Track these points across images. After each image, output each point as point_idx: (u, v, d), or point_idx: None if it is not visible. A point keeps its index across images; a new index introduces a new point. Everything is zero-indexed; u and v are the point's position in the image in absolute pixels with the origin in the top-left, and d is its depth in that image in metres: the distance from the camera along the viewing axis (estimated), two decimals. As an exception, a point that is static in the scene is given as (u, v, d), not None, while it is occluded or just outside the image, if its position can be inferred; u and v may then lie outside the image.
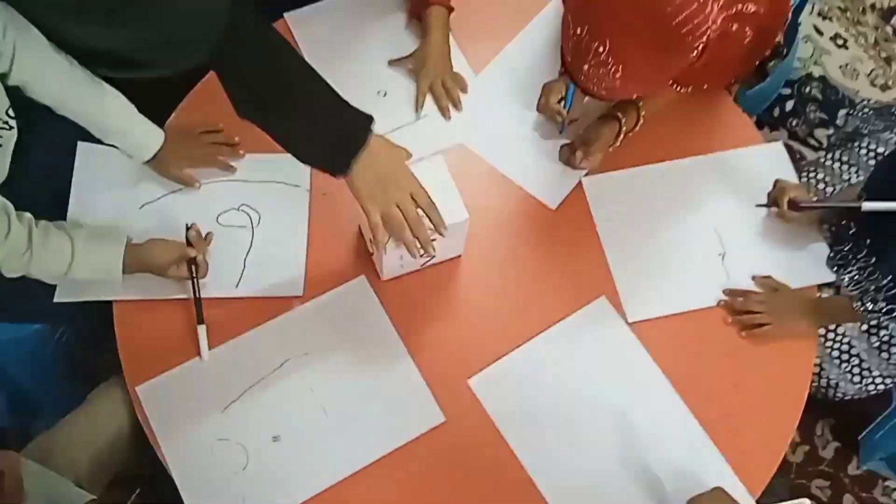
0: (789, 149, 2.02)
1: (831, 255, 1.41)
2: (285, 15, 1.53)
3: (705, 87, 1.43)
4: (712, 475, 1.20)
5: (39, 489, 1.07)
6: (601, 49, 1.14)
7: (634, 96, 1.33)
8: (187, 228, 1.27)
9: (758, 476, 1.23)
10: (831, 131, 2.12)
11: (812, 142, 2.12)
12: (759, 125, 2.10)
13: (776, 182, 1.42)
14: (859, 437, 1.68)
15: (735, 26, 1.26)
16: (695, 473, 1.21)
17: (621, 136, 1.41)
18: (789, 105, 2.16)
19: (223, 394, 1.22)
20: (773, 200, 1.41)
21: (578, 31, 1.15)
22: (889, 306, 1.28)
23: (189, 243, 1.26)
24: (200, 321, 1.24)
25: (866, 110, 1.78)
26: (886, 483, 1.78)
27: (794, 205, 1.37)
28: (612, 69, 1.15)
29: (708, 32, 1.14)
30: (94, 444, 1.21)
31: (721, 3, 1.14)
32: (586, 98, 1.30)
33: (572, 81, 1.29)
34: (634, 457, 1.23)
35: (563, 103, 1.41)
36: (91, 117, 1.26)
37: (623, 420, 1.25)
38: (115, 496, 1.20)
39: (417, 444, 1.21)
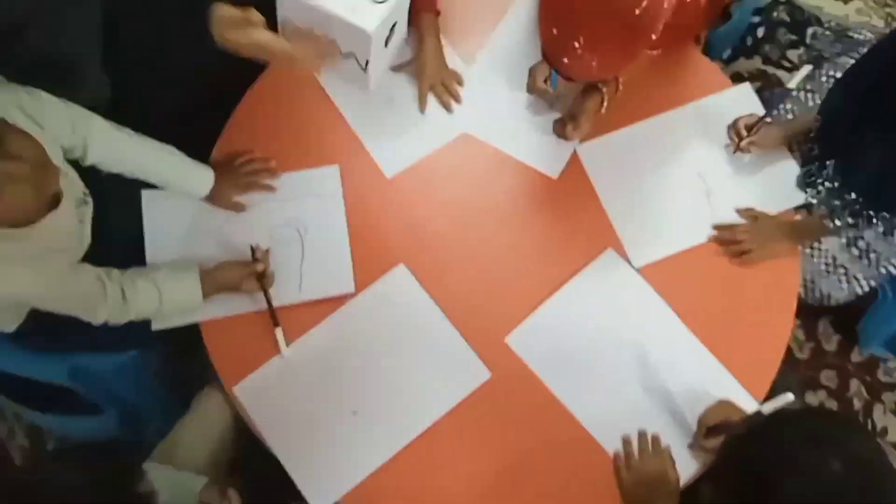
0: (765, 74, 2.20)
1: (800, 175, 1.60)
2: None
3: (666, 44, 1.58)
4: (721, 388, 1.43)
5: (166, 484, 1.32)
6: (576, 45, 1.30)
7: (609, 77, 1.49)
8: (252, 249, 1.49)
9: (761, 380, 1.45)
10: (801, 50, 2.27)
11: (786, 63, 2.27)
12: (735, 56, 2.28)
13: (731, 124, 1.60)
14: (857, 327, 1.90)
15: None
16: (706, 390, 1.43)
17: (605, 103, 1.59)
18: (761, 31, 2.30)
19: (305, 382, 1.44)
20: (736, 135, 1.59)
21: (554, 31, 1.33)
22: (854, 220, 1.48)
23: (254, 259, 1.47)
24: (276, 324, 1.46)
25: (829, 33, 1.93)
26: (887, 364, 2.00)
27: (748, 129, 1.56)
28: (589, 60, 1.32)
29: (666, 6, 1.29)
30: (207, 441, 1.45)
31: None
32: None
33: (553, 69, 1.47)
34: (655, 384, 1.45)
35: (548, 83, 1.60)
36: (153, 173, 1.48)
37: (642, 352, 1.47)
38: (233, 482, 1.43)
39: (470, 402, 1.44)
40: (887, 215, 1.49)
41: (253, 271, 1.46)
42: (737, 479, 1.06)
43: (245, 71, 1.62)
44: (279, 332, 1.46)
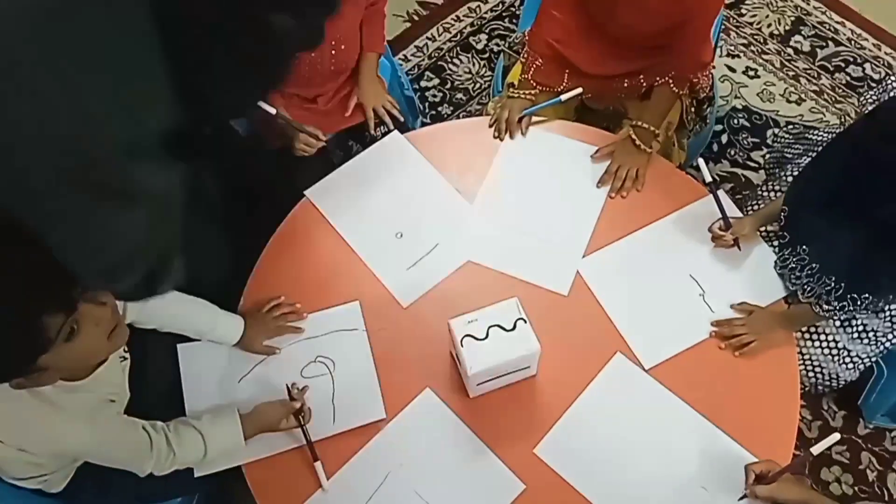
0: (734, 175, 2.38)
1: (776, 261, 1.73)
2: (306, 193, 1.86)
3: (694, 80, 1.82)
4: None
5: None
6: None
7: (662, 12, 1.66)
8: (288, 388, 1.57)
9: (781, 458, 1.51)
10: (764, 151, 2.47)
11: (752, 164, 2.46)
12: (706, 161, 2.46)
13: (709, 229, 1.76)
14: (858, 403, 1.99)
15: None
16: (731, 474, 1.50)
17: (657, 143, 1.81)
18: (724, 138, 2.51)
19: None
20: (713, 232, 1.74)
21: None
22: (840, 304, 1.60)
23: (291, 398, 1.56)
24: (315, 458, 1.53)
25: (788, 136, 2.12)
26: (893, 434, 2.08)
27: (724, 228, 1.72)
28: None
29: None
30: None
31: None
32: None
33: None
34: (683, 475, 1.52)
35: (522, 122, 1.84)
36: (187, 326, 1.59)
37: (666, 446, 1.55)
38: None
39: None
40: (869, 297, 1.62)
41: (290, 409, 1.54)
42: None
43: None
44: (319, 467, 1.52)
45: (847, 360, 1.72)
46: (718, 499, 1.50)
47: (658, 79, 1.84)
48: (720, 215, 1.73)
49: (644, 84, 1.87)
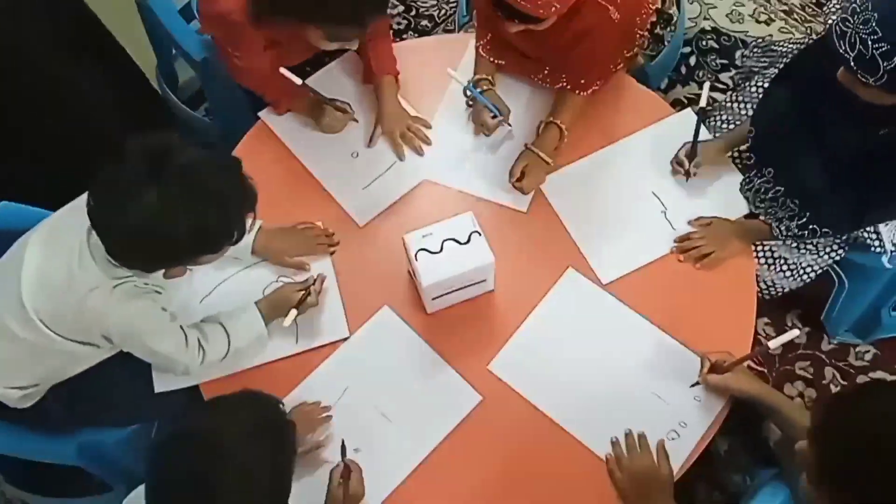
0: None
1: (742, 182, 1.73)
2: (260, 115, 1.83)
3: (599, 82, 1.75)
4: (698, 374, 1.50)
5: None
6: None
7: (552, 11, 1.51)
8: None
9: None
10: (733, 72, 2.44)
11: (720, 86, 2.43)
12: (673, 84, 2.44)
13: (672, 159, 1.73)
14: (821, 318, 2.01)
15: (605, 6, 1.57)
16: (686, 378, 1.52)
17: (563, 138, 1.73)
18: (693, 60, 2.48)
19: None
20: (678, 164, 1.72)
21: None
22: (801, 232, 1.60)
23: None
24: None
25: (756, 50, 2.09)
26: (857, 349, 2.10)
27: (689, 158, 1.69)
28: None
29: None
30: None
31: None
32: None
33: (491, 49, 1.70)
34: (636, 383, 1.54)
35: (493, 117, 1.74)
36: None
37: (619, 357, 1.56)
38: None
39: (465, 426, 1.51)
40: (829, 232, 1.62)
41: (304, 290, 1.55)
42: (845, 443, 1.07)
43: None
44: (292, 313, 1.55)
45: (785, 267, 1.73)
46: (673, 405, 1.51)
47: (559, 82, 1.76)
48: (691, 140, 1.71)
49: (548, 82, 1.81)
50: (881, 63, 1.29)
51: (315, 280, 1.59)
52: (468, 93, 1.80)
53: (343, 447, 1.45)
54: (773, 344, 1.36)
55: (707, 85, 1.66)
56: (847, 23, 1.31)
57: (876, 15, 1.28)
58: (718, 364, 1.46)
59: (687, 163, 1.69)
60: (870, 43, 1.28)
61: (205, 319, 1.53)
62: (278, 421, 1.17)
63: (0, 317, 1.37)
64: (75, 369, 1.49)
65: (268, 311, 1.55)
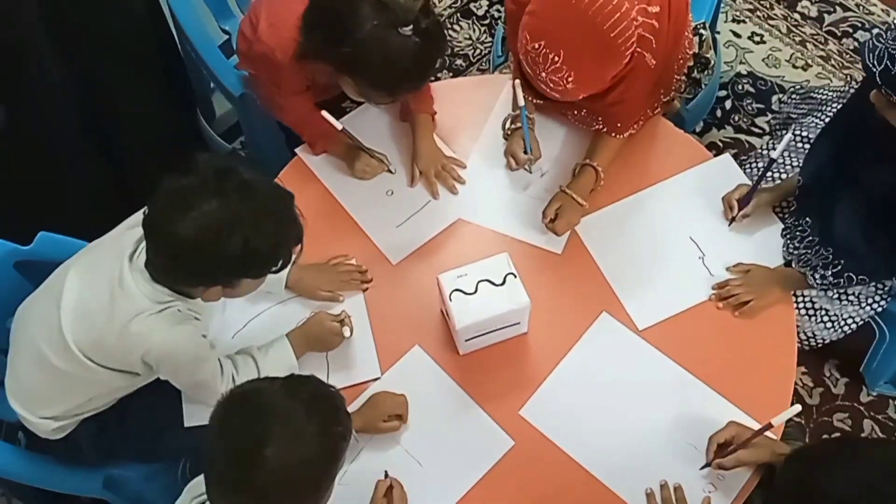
0: (738, 141, 2.34)
1: (783, 230, 1.70)
2: (297, 150, 1.85)
3: (636, 126, 1.75)
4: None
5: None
6: (556, 59, 1.45)
7: (580, 97, 1.55)
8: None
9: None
10: (769, 116, 2.42)
11: (756, 130, 2.42)
12: (708, 128, 2.42)
13: (724, 198, 1.71)
14: (861, 370, 1.96)
15: (641, 53, 1.56)
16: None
17: (586, 200, 1.71)
18: (728, 104, 2.47)
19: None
20: (728, 206, 1.69)
21: (536, 45, 1.46)
22: (836, 280, 1.58)
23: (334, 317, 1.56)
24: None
25: (794, 96, 2.08)
26: (896, 401, 2.05)
27: (741, 203, 1.67)
28: (566, 75, 1.46)
29: (634, 32, 1.47)
30: None
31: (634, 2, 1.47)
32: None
33: (529, 90, 1.65)
34: (672, 434, 1.50)
35: (526, 153, 1.73)
36: None
37: (653, 406, 1.52)
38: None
39: (496, 471, 1.48)
40: (866, 279, 1.59)
41: (337, 321, 1.54)
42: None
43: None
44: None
45: (825, 318, 1.69)
46: (709, 457, 1.47)
47: (595, 124, 1.77)
48: (743, 183, 1.69)
49: (585, 123, 1.80)
50: None
51: (342, 312, 1.58)
52: (507, 125, 1.80)
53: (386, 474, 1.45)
54: (776, 421, 1.33)
55: (788, 137, 1.63)
56: (880, 38, 1.31)
57: None
58: (728, 442, 1.42)
59: (737, 207, 1.67)
60: None
61: (238, 352, 1.53)
62: (331, 396, 1.20)
63: (38, 346, 1.37)
64: (109, 400, 1.48)
65: (299, 341, 1.54)
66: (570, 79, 1.47)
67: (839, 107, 1.79)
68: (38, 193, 1.81)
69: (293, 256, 1.35)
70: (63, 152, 1.82)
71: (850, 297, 1.67)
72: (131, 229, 1.39)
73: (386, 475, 1.43)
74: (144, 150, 1.98)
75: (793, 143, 1.81)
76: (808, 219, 1.64)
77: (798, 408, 1.31)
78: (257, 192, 1.26)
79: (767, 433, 1.40)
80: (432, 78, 1.83)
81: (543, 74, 1.49)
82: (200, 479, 1.26)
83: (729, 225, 1.70)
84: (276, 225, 1.28)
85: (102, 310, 1.32)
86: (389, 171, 1.80)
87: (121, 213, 1.45)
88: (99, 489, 1.55)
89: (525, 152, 1.74)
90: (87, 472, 1.56)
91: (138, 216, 1.35)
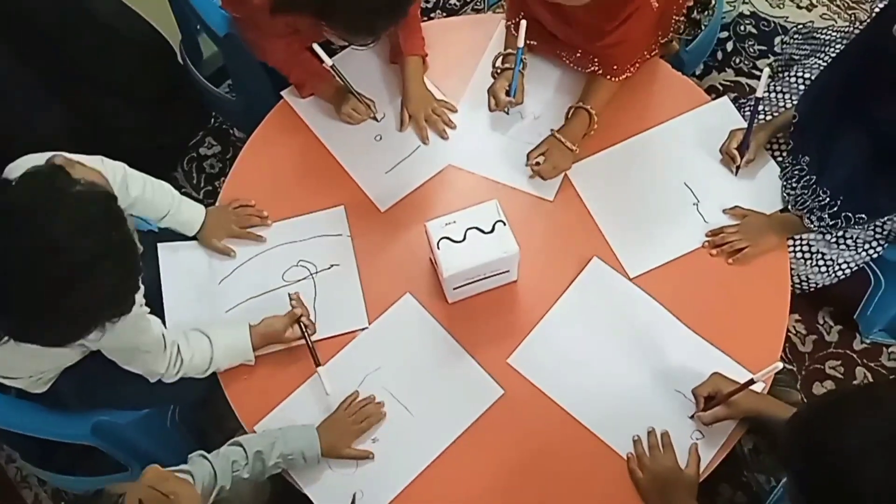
0: (738, 84, 2.28)
1: (780, 173, 1.66)
2: (283, 94, 1.80)
3: (632, 68, 1.69)
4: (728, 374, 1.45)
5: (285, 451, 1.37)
6: None
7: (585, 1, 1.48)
8: (290, 298, 1.52)
9: (766, 366, 1.43)
10: (771, 59, 2.35)
11: (757, 73, 2.35)
12: (708, 70, 2.36)
13: (727, 138, 1.66)
14: (854, 316, 1.94)
15: None
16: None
17: (577, 145, 1.66)
18: (730, 46, 2.40)
19: (324, 414, 1.48)
20: (729, 157, 1.65)
21: None
22: (833, 221, 1.54)
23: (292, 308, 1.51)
24: (317, 364, 1.48)
25: (797, 36, 2.01)
26: (890, 349, 2.03)
27: (741, 150, 1.63)
28: None
29: None
30: (241, 493, 1.44)
31: None
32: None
33: None
34: (660, 381, 1.49)
35: (508, 95, 1.69)
36: (150, 207, 1.53)
37: (643, 354, 1.51)
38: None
39: (484, 419, 1.48)
40: (865, 217, 1.55)
41: (294, 318, 1.50)
42: (810, 467, 1.04)
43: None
44: (323, 372, 1.48)
45: (821, 262, 1.66)
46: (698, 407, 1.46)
47: (591, 66, 1.71)
48: (739, 129, 1.65)
49: (580, 65, 1.74)
50: None
51: (296, 305, 1.52)
52: (497, 63, 1.75)
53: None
54: (758, 377, 1.31)
55: (766, 72, 1.56)
56: None
57: None
58: (711, 395, 1.42)
59: (739, 157, 1.63)
60: None
61: (194, 328, 1.49)
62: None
63: None
64: (75, 360, 1.47)
65: (255, 338, 1.50)
66: None
67: (842, 47, 1.73)
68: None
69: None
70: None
71: (848, 241, 1.64)
72: None
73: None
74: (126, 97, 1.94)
75: (794, 83, 1.76)
76: (805, 157, 1.60)
77: (780, 365, 1.28)
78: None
79: (751, 387, 1.39)
80: (423, 17, 1.77)
81: None
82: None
83: (735, 174, 1.66)
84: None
85: None
86: (375, 119, 1.76)
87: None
88: (87, 435, 1.55)
89: (508, 94, 1.69)
90: (74, 420, 1.55)
91: None
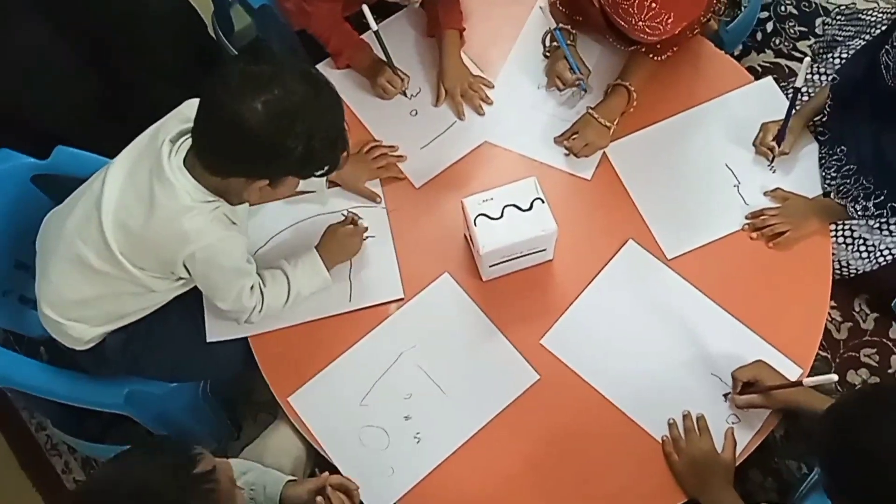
0: (778, 66, 2.23)
1: (820, 157, 1.63)
2: (318, 67, 1.77)
3: (674, 49, 1.66)
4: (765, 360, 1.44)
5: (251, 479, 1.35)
6: (654, 5, 1.40)
7: (677, 30, 1.49)
8: (345, 215, 1.57)
9: (804, 352, 1.47)
10: (812, 41, 2.30)
11: (797, 55, 2.30)
12: (747, 51, 2.31)
13: (759, 131, 1.64)
14: (892, 304, 1.91)
15: None
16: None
17: (615, 123, 1.64)
18: (770, 26, 2.34)
19: (358, 390, 1.48)
20: (766, 148, 1.62)
21: None
22: (878, 211, 1.52)
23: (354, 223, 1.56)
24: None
25: (840, 17, 1.96)
26: (928, 339, 2.00)
27: (777, 140, 1.60)
28: (665, 17, 1.42)
29: None
30: (290, 452, 1.48)
31: None
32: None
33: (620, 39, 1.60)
34: (696, 365, 1.47)
35: (573, 73, 1.66)
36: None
37: (679, 337, 1.49)
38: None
39: (519, 402, 1.46)
40: None
41: (361, 231, 1.55)
42: (844, 463, 1.05)
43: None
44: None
45: (862, 249, 1.62)
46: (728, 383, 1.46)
47: (633, 43, 1.65)
48: (776, 120, 1.62)
49: (622, 43, 1.70)
50: None
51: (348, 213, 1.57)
52: (547, 42, 1.72)
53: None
54: (808, 382, 1.30)
55: (807, 61, 1.53)
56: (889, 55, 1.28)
57: None
58: (751, 382, 1.40)
59: (776, 148, 1.60)
60: None
61: (267, 268, 1.50)
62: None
63: (76, 249, 1.35)
64: (142, 307, 1.47)
65: (328, 252, 1.52)
66: (669, 20, 1.42)
67: (887, 27, 1.69)
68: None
69: (340, 162, 1.32)
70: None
71: (891, 228, 1.60)
72: (175, 118, 1.36)
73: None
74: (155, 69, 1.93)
75: (836, 63, 1.72)
76: (843, 147, 1.57)
77: (835, 377, 1.27)
78: (322, 89, 1.25)
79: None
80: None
81: (640, 24, 1.43)
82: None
83: (770, 166, 1.64)
84: (335, 122, 1.27)
85: (142, 205, 1.30)
86: (404, 95, 1.74)
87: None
88: (121, 404, 1.55)
89: (572, 71, 1.67)
90: (109, 386, 1.56)
91: (187, 105, 1.34)
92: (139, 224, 1.31)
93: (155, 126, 1.39)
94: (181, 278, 1.40)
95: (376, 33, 1.63)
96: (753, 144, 1.65)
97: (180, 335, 1.52)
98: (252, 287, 1.43)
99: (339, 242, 1.54)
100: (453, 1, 1.73)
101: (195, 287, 1.46)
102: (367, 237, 1.58)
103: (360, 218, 1.56)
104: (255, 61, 1.23)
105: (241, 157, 1.26)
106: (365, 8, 1.60)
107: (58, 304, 1.43)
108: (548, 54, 1.74)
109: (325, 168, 1.30)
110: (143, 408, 1.61)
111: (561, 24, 1.68)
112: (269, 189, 1.31)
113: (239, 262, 1.39)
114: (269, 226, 1.62)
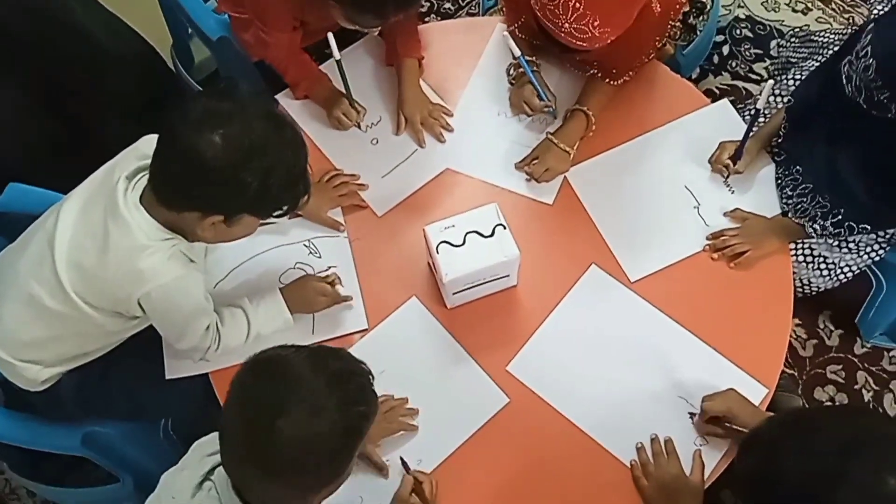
0: (735, 88, 2.27)
1: (777, 177, 1.65)
2: (277, 97, 1.77)
3: (631, 73, 1.67)
4: (730, 383, 1.43)
5: None
6: (578, 5, 1.37)
7: (609, 40, 1.46)
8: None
9: (769, 371, 1.47)
10: (767, 62, 2.35)
11: (753, 77, 2.35)
12: (704, 74, 2.35)
13: (717, 149, 1.65)
14: (856, 320, 1.93)
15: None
16: (715, 385, 1.43)
17: (574, 148, 1.65)
18: (726, 49, 2.39)
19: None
20: (721, 165, 1.64)
21: None
22: (836, 230, 1.53)
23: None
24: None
25: (794, 39, 2.00)
26: (892, 353, 2.02)
27: (734, 158, 1.62)
28: (591, 20, 1.39)
29: None
30: None
31: None
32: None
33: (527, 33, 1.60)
34: (662, 388, 1.46)
35: (541, 100, 1.67)
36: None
37: (644, 360, 1.49)
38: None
39: (488, 427, 1.45)
40: (869, 228, 1.54)
41: (325, 289, 1.50)
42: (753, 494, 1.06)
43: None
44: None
45: (822, 266, 1.64)
46: (699, 410, 1.44)
47: (590, 68, 1.70)
48: (732, 140, 1.64)
49: (578, 67, 1.74)
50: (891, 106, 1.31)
51: (331, 272, 1.54)
52: (511, 71, 1.72)
53: (404, 463, 1.39)
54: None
55: (770, 84, 1.55)
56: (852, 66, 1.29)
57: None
58: (717, 417, 1.39)
59: (732, 166, 1.62)
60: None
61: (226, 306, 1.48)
62: (357, 373, 1.10)
63: (29, 288, 1.32)
64: (98, 347, 1.44)
65: (292, 300, 1.49)
66: (595, 23, 1.39)
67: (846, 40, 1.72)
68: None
69: (300, 204, 1.31)
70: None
71: (850, 245, 1.62)
72: (132, 154, 1.34)
73: (405, 466, 1.38)
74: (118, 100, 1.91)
75: (791, 84, 1.75)
76: (798, 167, 1.60)
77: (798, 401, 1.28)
78: (284, 129, 1.24)
79: (750, 399, 1.39)
80: (421, 20, 1.75)
81: (567, 25, 1.41)
82: (210, 437, 1.22)
83: (725, 179, 1.66)
84: (296, 162, 1.25)
85: (96, 243, 1.27)
86: (358, 127, 1.73)
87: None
88: (77, 446, 1.51)
89: (540, 98, 1.67)
90: (65, 429, 1.52)
91: (143, 141, 1.32)
92: (93, 263, 1.28)
93: (111, 163, 1.37)
94: (136, 317, 1.37)
95: (338, 62, 1.63)
96: (709, 161, 1.66)
97: (137, 374, 1.49)
98: (208, 327, 1.40)
99: (305, 297, 1.50)
100: (411, 30, 1.74)
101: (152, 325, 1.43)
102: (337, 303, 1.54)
103: (342, 286, 1.53)
104: (218, 98, 1.22)
105: (196, 190, 1.23)
106: (330, 36, 1.59)
107: (11, 344, 1.39)
108: (513, 82, 1.75)
109: (284, 209, 1.29)
110: (102, 449, 1.56)
111: (525, 55, 1.69)
112: (224, 227, 1.28)
113: (197, 300, 1.36)
114: (229, 258, 1.59)
